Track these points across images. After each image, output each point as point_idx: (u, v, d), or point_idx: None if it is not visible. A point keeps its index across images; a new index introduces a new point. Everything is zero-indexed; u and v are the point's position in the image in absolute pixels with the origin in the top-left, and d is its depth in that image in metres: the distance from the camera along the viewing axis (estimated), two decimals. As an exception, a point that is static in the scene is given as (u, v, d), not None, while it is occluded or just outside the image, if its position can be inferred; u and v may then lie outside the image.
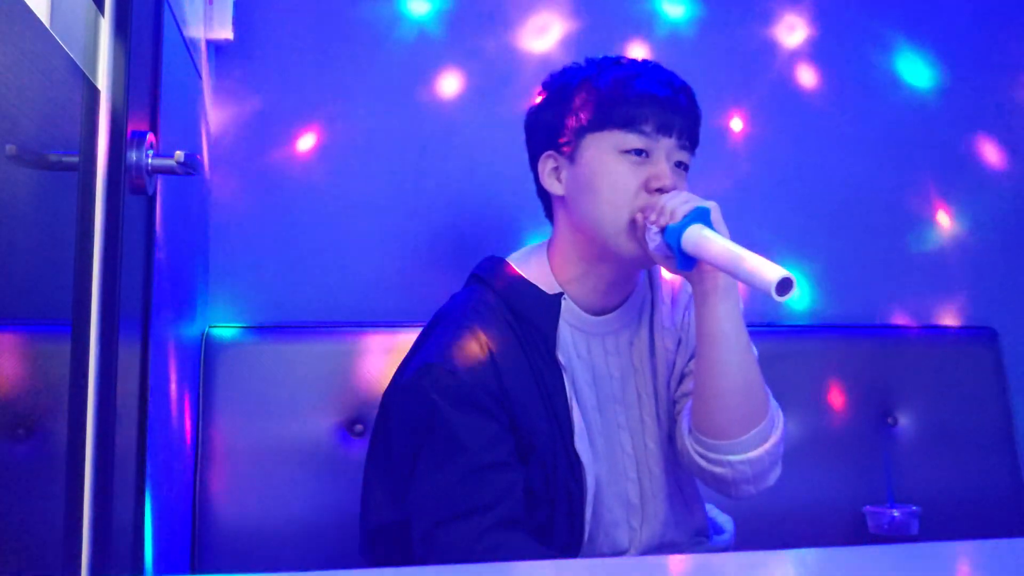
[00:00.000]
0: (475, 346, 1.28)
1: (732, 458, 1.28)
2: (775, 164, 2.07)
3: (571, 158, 1.33)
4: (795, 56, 2.09)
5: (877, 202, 2.11)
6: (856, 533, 1.79)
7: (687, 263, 1.24)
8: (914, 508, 1.76)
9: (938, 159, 2.15)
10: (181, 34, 1.38)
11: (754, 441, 1.28)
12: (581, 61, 1.39)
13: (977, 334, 2.07)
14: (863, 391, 1.96)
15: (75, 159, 0.87)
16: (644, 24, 2.03)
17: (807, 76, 2.10)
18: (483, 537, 1.21)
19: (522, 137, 1.41)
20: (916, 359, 2.00)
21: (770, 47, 2.08)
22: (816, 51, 2.10)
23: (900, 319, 2.09)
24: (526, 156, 1.41)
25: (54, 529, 0.83)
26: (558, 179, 1.35)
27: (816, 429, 1.91)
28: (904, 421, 1.97)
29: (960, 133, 2.16)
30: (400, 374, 1.35)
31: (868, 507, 1.79)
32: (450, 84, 1.94)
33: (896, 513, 1.74)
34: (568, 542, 1.30)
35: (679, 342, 1.41)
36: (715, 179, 1.95)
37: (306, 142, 1.88)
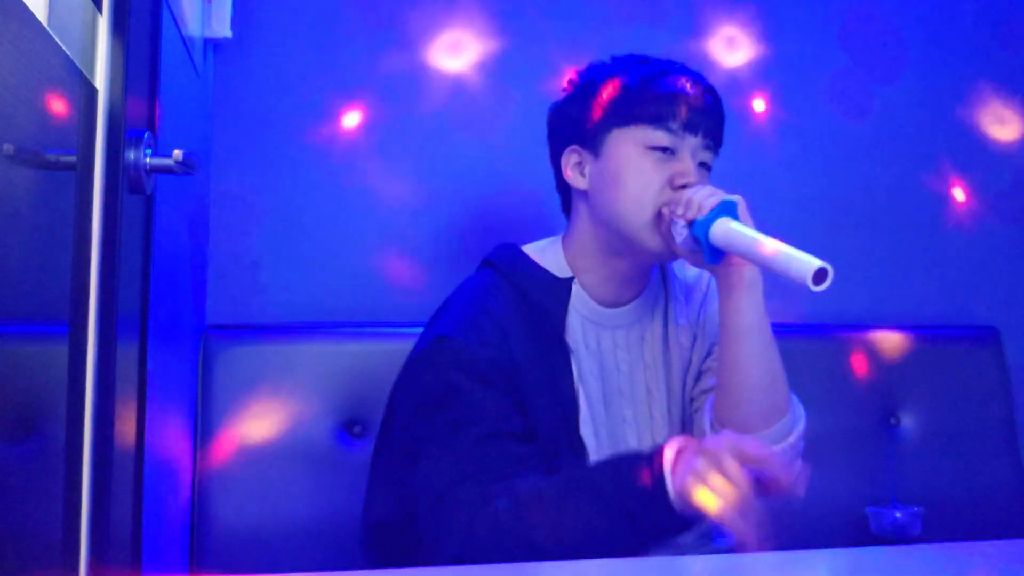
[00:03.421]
0: (487, 324, 1.29)
1: None
2: (774, 163, 2.06)
3: (596, 152, 1.33)
4: (802, 55, 2.09)
5: (878, 201, 2.11)
6: (859, 534, 1.78)
7: (715, 256, 1.24)
8: (917, 509, 1.75)
9: (939, 157, 2.14)
10: (180, 32, 1.37)
11: (778, 435, 1.29)
12: (606, 58, 1.39)
13: (980, 334, 2.06)
14: (865, 391, 1.95)
15: (73, 158, 0.86)
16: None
17: (817, 73, 2.09)
18: (492, 502, 1.17)
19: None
20: (918, 359, 1.99)
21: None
22: (816, 53, 2.10)
23: (902, 318, 2.08)
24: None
25: (52, 530, 0.83)
26: (581, 173, 1.35)
27: (818, 429, 1.88)
28: (907, 421, 1.96)
29: (961, 131, 2.15)
30: (413, 350, 1.35)
31: (871, 508, 1.78)
32: (453, 82, 1.93)
33: (899, 514, 1.74)
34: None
35: (694, 339, 1.41)
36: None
37: (305, 141, 1.87)
